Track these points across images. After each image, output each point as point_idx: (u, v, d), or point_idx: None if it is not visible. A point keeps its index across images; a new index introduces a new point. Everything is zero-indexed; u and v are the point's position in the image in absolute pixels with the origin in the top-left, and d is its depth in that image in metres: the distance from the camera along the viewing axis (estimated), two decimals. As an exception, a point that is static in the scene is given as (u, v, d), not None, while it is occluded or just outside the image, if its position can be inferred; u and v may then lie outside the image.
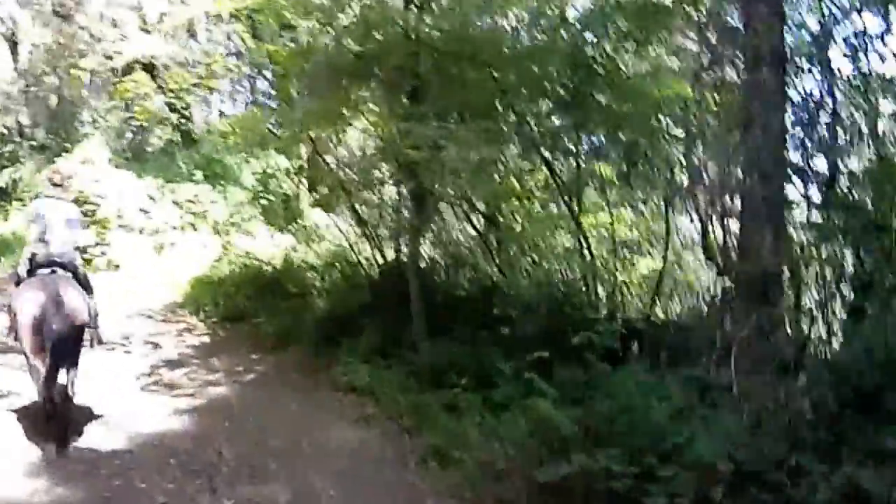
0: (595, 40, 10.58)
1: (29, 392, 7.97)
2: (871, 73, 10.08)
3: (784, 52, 9.29)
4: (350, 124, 12.51)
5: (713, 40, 11.90)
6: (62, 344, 7.34)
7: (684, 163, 10.96)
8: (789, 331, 8.40)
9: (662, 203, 11.21)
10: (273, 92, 20.20)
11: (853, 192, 9.37)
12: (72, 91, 22.66)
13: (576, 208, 10.37)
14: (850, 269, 8.88)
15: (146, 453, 7.51)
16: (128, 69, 20.47)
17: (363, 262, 13.24)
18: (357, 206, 13.05)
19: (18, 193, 18.90)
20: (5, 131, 21.87)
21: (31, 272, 7.80)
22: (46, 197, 8.42)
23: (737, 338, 7.36)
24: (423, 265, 11.52)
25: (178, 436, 8.18)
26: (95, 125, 21.81)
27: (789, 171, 9.44)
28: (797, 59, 10.36)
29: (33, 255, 7.91)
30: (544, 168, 11.02)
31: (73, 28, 20.22)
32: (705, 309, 10.37)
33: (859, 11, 10.36)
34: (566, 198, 10.61)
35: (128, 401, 9.13)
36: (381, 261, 12.71)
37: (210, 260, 15.84)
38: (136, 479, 6.81)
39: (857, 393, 6.06)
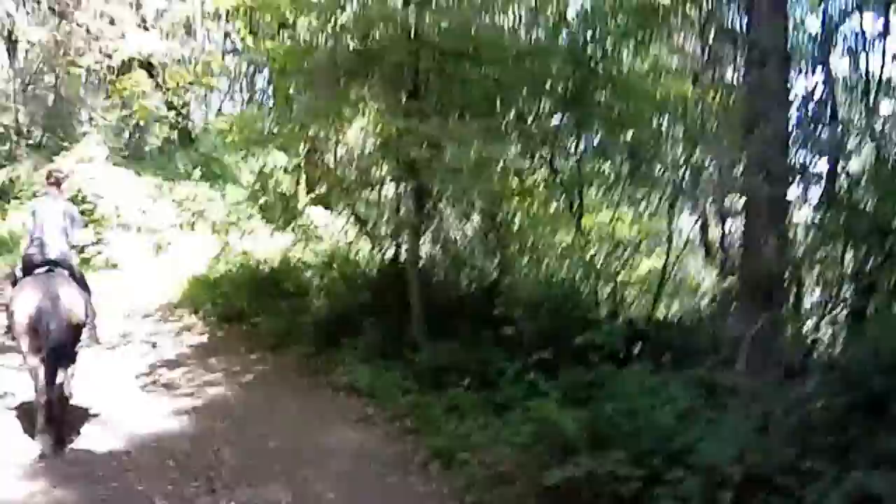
0: (596, 38, 10.52)
1: (26, 392, 7.89)
2: (870, 74, 10.05)
3: (788, 51, 9.24)
4: (349, 122, 12.42)
5: (713, 40, 11.88)
6: (59, 343, 7.30)
7: (685, 162, 10.88)
8: (795, 332, 8.35)
9: (664, 203, 11.17)
10: (271, 90, 20.07)
11: (854, 192, 9.33)
12: (69, 89, 22.58)
13: (577, 207, 10.31)
14: (852, 270, 8.83)
15: (144, 455, 7.44)
16: (126, 67, 20.36)
17: (362, 261, 13.18)
18: (356, 204, 12.97)
19: (16, 192, 18.80)
20: (2, 130, 21.80)
21: (28, 271, 7.74)
22: (43, 196, 8.37)
23: (743, 339, 7.27)
24: (422, 264, 11.42)
25: (177, 437, 8.11)
26: (93, 124, 21.72)
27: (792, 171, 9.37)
28: (797, 59, 10.32)
29: (30, 254, 7.86)
30: (545, 167, 10.97)
31: (70, 26, 20.12)
32: (708, 309, 10.35)
33: (860, 11, 10.33)
34: (567, 197, 10.55)
35: (125, 401, 9.07)
36: (380, 260, 12.63)
37: (208, 259, 15.75)
38: (134, 482, 6.75)
39: (865, 396, 5.98)
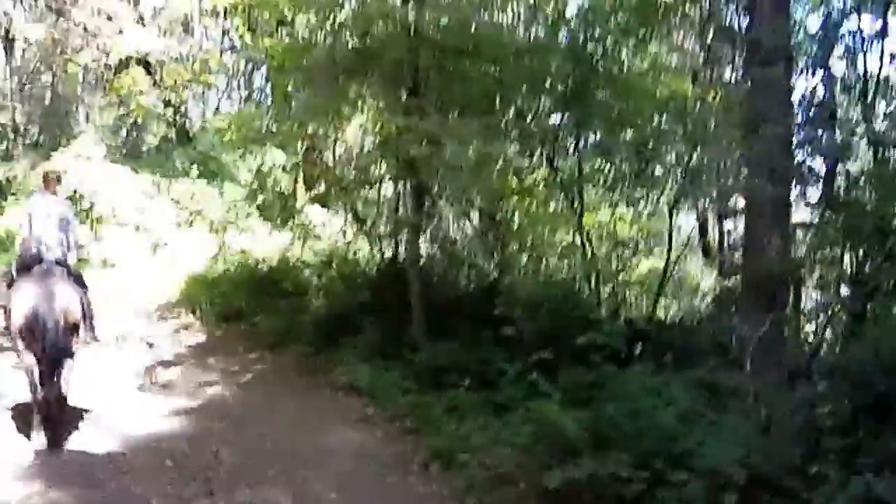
0: (596, 36, 10.47)
1: (23, 392, 7.81)
2: (868, 75, 10.03)
3: (790, 50, 9.21)
4: (348, 120, 12.37)
5: (712, 39, 11.84)
6: (55, 342, 7.26)
7: (686, 162, 10.83)
8: (798, 334, 8.32)
9: (664, 202, 11.13)
10: (269, 88, 20.01)
11: (853, 193, 9.31)
12: (66, 87, 22.50)
13: (577, 206, 10.25)
14: (852, 271, 8.81)
15: (141, 455, 7.36)
16: (123, 65, 20.29)
17: (361, 260, 13.13)
18: (355, 203, 12.92)
19: (13, 191, 18.72)
20: (0, 129, 21.72)
21: (24, 270, 7.68)
22: (39, 195, 8.33)
23: (749, 341, 7.22)
24: (422, 263, 11.38)
25: (174, 437, 8.04)
26: (90, 122, 21.65)
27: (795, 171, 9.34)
28: (798, 59, 10.30)
29: (27, 253, 7.82)
30: (545, 165, 10.92)
31: (67, 23, 20.03)
32: (708, 310, 10.30)
33: (857, 13, 10.31)
34: (567, 195, 10.50)
35: (123, 401, 9.00)
36: (379, 259, 12.58)
37: (206, 258, 15.69)
38: (131, 483, 6.68)
39: (869, 398, 5.94)
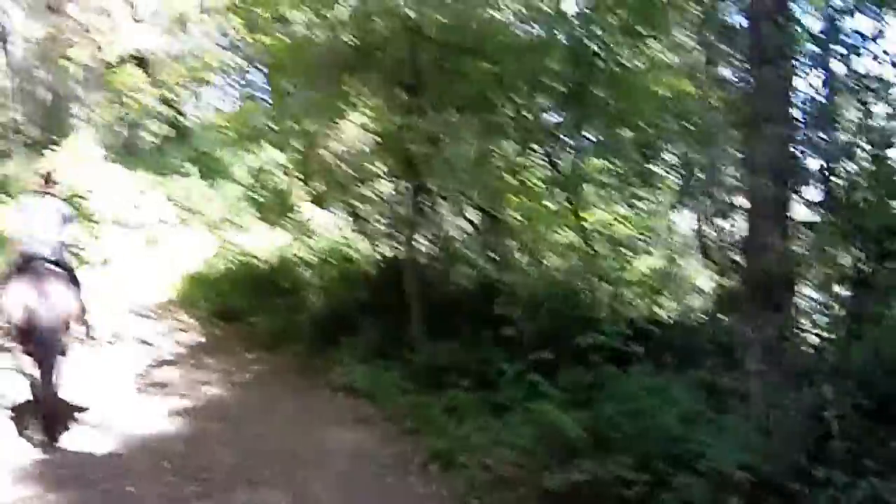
0: (597, 33, 10.40)
1: (17, 392, 7.83)
2: (865, 75, 10.00)
3: (791, 49, 9.16)
4: (347, 118, 12.32)
5: (712, 37, 11.78)
6: (49, 342, 7.26)
7: (686, 161, 10.78)
8: (800, 334, 8.25)
9: (663, 201, 11.08)
10: (267, 85, 19.98)
11: (851, 193, 9.27)
12: (63, 85, 22.45)
13: (577, 205, 10.20)
14: (851, 271, 8.77)
15: (138, 457, 7.31)
16: (120, 63, 20.24)
17: (359, 258, 13.08)
18: (353, 201, 12.86)
19: (8, 189, 18.64)
20: None
21: (20, 269, 7.63)
22: (35, 193, 8.29)
23: (753, 342, 7.15)
24: (420, 262, 11.33)
25: (172, 438, 7.98)
26: (87, 120, 21.60)
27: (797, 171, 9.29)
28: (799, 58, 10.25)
29: (22, 251, 7.76)
30: (544, 163, 10.85)
31: (64, 21, 19.97)
32: (710, 309, 10.24)
33: (853, 13, 10.27)
34: (567, 194, 10.44)
35: (119, 401, 8.94)
36: (377, 257, 12.52)
37: (203, 256, 15.67)
38: (127, 485, 6.61)
39: (872, 400, 5.89)
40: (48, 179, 8.38)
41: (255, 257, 14.38)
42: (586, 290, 9.85)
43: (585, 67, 9.88)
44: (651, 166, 10.77)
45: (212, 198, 18.38)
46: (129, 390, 9.63)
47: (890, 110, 9.86)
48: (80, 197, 16.05)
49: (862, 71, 10.01)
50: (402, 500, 6.81)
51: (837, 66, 10.32)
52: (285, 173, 14.73)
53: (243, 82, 24.64)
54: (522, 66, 10.05)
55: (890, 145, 9.16)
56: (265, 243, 14.69)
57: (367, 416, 8.88)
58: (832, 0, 10.49)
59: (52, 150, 17.71)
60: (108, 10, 19.91)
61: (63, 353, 7.55)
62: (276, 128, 12.69)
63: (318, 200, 14.79)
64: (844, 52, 10.22)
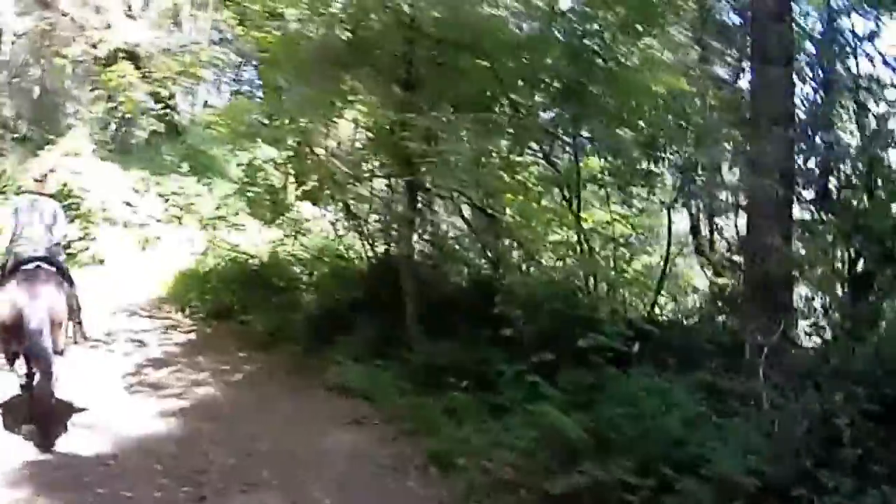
0: (593, 31, 10.31)
1: (11, 394, 7.78)
2: (860, 75, 9.98)
3: (792, 49, 9.12)
4: (341, 114, 12.24)
5: (710, 36, 11.75)
6: (40, 343, 7.12)
7: (684, 160, 10.71)
8: (801, 335, 8.22)
9: (662, 200, 11.02)
10: (260, 81, 19.87)
11: (849, 193, 9.25)
12: (55, 81, 22.33)
13: (575, 203, 10.12)
14: (849, 272, 8.74)
15: (132, 458, 7.18)
16: (112, 58, 20.12)
17: (353, 256, 13.00)
18: (347, 198, 12.78)
19: (1, 187, 18.54)
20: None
21: (13, 269, 7.54)
22: (27, 192, 8.23)
23: (754, 342, 7.09)
24: (415, 260, 11.25)
25: (164, 439, 7.86)
26: (79, 116, 21.49)
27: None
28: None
29: (16, 251, 7.69)
30: (542, 161, 10.78)
31: (55, 16, 19.85)
32: (709, 309, 10.19)
33: (849, 13, 10.26)
34: (565, 193, 10.36)
35: (111, 402, 8.79)
36: (372, 255, 12.44)
37: (196, 254, 15.58)
38: (121, 487, 6.48)
39: (877, 403, 5.82)
40: (40, 179, 8.33)
41: (249, 255, 14.25)
42: (585, 289, 9.77)
43: (583, 65, 9.79)
44: (649, 164, 10.71)
45: (205, 195, 18.26)
46: (121, 390, 9.50)
47: (886, 110, 9.89)
48: (74, 196, 15.95)
49: (859, 71, 10.06)
50: (402, 503, 6.73)
51: (836, 66, 10.35)
52: (277, 168, 14.67)
53: (236, 78, 24.64)
54: (519, 63, 9.98)
55: (887, 146, 9.16)
56: (259, 241, 14.57)
57: (364, 416, 8.78)
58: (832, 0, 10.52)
59: (47, 149, 17.55)
60: (100, 5, 19.76)
61: (60, 353, 7.45)
62: (269, 124, 12.59)
63: (312, 197, 14.72)
64: (843, 52, 10.26)
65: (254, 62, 20.20)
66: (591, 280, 9.79)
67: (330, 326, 10.99)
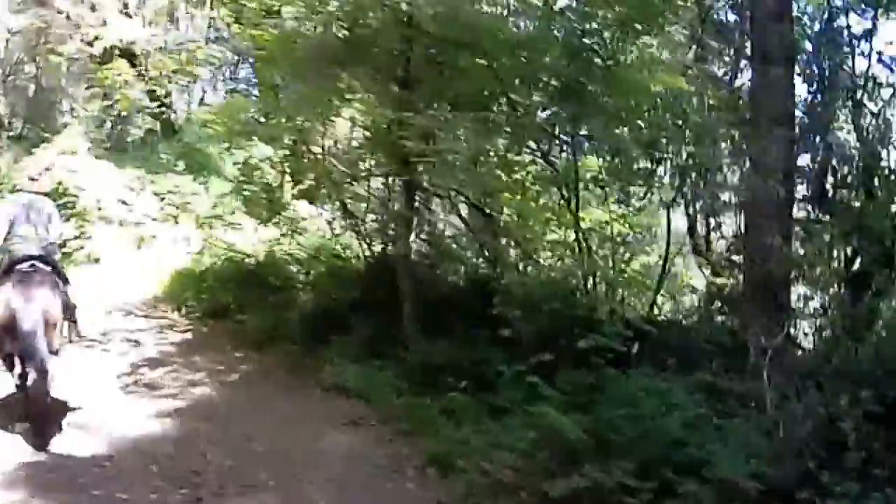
0: (592, 28, 10.28)
1: (4, 392, 7.75)
2: (857, 74, 9.97)
3: (793, 48, 9.08)
4: (338, 113, 12.19)
5: (708, 35, 11.72)
6: (34, 343, 7.08)
7: (683, 159, 10.68)
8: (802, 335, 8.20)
9: (660, 199, 11.00)
10: (256, 79, 19.81)
11: (845, 192, 9.24)
12: (50, 79, 22.27)
13: (574, 203, 10.08)
14: (848, 270, 8.73)
15: (127, 460, 7.11)
16: (107, 56, 20.04)
17: (350, 255, 12.95)
18: (344, 197, 12.73)
19: (-1, 186, 18.49)
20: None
21: (8, 268, 7.48)
22: (23, 191, 8.19)
23: (757, 343, 7.05)
24: (412, 259, 11.21)
25: (160, 440, 7.80)
26: (74, 114, 21.42)
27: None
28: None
29: (10, 250, 7.64)
30: (540, 161, 10.75)
31: (50, 13, 19.77)
32: (707, 309, 10.17)
33: (847, 12, 10.24)
34: (563, 192, 10.33)
35: (107, 402, 8.72)
36: (369, 254, 12.40)
37: (192, 253, 15.52)
38: (117, 489, 6.42)
39: (880, 405, 5.79)
40: (37, 178, 8.30)
41: (245, 254, 14.19)
42: (583, 289, 9.74)
43: (582, 64, 9.75)
44: (648, 164, 10.69)
45: (200, 193, 18.18)
46: (117, 390, 9.43)
47: (883, 109, 9.88)
48: (69, 194, 15.87)
49: (856, 70, 10.04)
50: (400, 505, 6.69)
51: (835, 66, 10.33)
52: (273, 167, 14.62)
53: (232, 76, 24.56)
54: (518, 61, 9.94)
55: (884, 145, 9.15)
56: (255, 240, 14.50)
57: (361, 416, 8.73)
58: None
59: (42, 147, 17.47)
60: (96, 3, 19.69)
61: (56, 353, 7.42)
62: (265, 122, 12.54)
63: (309, 196, 14.67)
64: (840, 51, 10.24)
65: (250, 60, 20.08)
66: (590, 280, 9.75)
67: (326, 326, 10.93)
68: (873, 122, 9.87)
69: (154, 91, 20.93)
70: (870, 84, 9.98)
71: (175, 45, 21.31)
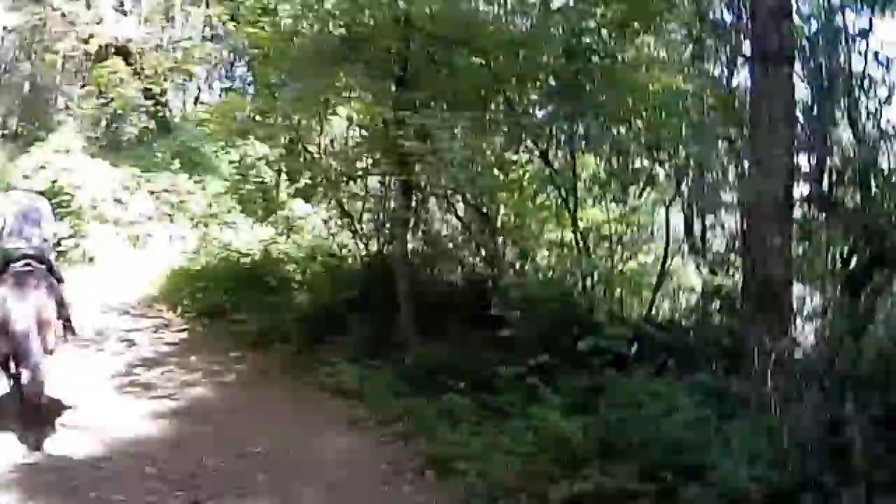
0: (590, 27, 10.23)
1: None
2: (853, 72, 9.93)
3: (792, 47, 9.04)
4: (335, 112, 12.14)
5: (705, 34, 11.68)
6: (28, 344, 7.04)
7: (682, 159, 10.64)
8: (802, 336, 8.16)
9: (659, 199, 10.97)
10: (252, 78, 19.77)
11: (842, 191, 9.21)
12: (45, 77, 22.22)
13: (572, 202, 10.04)
14: (844, 271, 8.70)
15: (123, 462, 7.06)
16: (102, 54, 19.99)
17: (347, 255, 12.90)
18: (341, 197, 12.68)
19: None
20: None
21: (2, 268, 7.41)
22: (17, 190, 8.14)
23: (760, 344, 7.01)
24: (409, 259, 11.16)
25: (156, 442, 7.74)
26: (69, 112, 21.36)
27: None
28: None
29: (4, 249, 7.57)
30: (538, 159, 10.70)
31: (46, 11, 19.71)
32: (705, 309, 10.13)
33: (844, 10, 10.21)
34: (561, 191, 10.28)
35: (102, 403, 8.67)
36: (365, 254, 12.35)
37: (187, 252, 15.46)
38: (114, 492, 6.36)
39: (880, 409, 5.76)
40: (31, 176, 8.26)
41: (241, 253, 14.13)
42: (582, 289, 9.70)
43: (579, 62, 9.72)
44: (646, 163, 10.66)
45: (196, 192, 18.11)
46: (112, 390, 9.37)
47: (878, 108, 9.85)
48: (64, 193, 15.80)
49: (853, 69, 10.00)
50: (398, 508, 6.64)
51: (832, 64, 10.29)
52: (269, 166, 14.57)
53: (228, 74, 24.52)
54: (515, 60, 9.90)
55: (880, 143, 9.12)
56: (251, 239, 14.44)
57: (359, 418, 8.65)
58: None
59: (37, 145, 17.39)
60: (91, 0, 19.64)
61: (50, 353, 7.35)
62: (261, 121, 12.48)
63: (305, 195, 14.61)
64: (838, 49, 10.20)
65: (246, 58, 20.05)
66: (588, 280, 9.71)
67: (323, 326, 10.89)
68: (870, 121, 9.84)
69: (149, 89, 20.90)
70: (866, 83, 9.94)
71: (171, 43, 21.26)
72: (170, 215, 17.77)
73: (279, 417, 8.76)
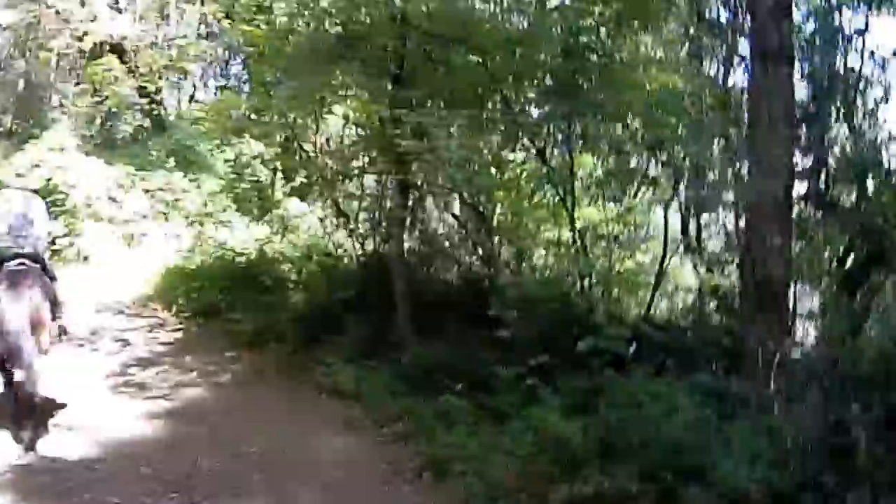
0: (588, 25, 10.20)
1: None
2: (850, 71, 9.94)
3: (792, 46, 9.03)
4: (331, 110, 12.09)
5: (702, 33, 11.67)
6: (21, 344, 6.99)
7: (681, 158, 10.62)
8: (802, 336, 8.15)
9: (657, 199, 10.94)
10: (248, 76, 19.73)
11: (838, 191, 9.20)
12: (40, 75, 22.14)
13: (570, 201, 10.01)
14: (841, 271, 8.69)
15: (118, 462, 7.01)
16: (97, 51, 19.93)
17: (343, 254, 12.85)
18: (337, 195, 12.64)
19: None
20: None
21: (-2, 267, 7.38)
22: (10, 188, 8.08)
23: (762, 345, 6.97)
24: (406, 258, 11.13)
25: (151, 443, 7.68)
26: (64, 110, 21.29)
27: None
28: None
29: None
30: (535, 158, 10.67)
31: (40, 8, 19.64)
32: (707, 310, 10.11)
33: (839, 11, 10.21)
34: (558, 190, 10.25)
35: (97, 403, 8.61)
36: (361, 253, 12.30)
37: (182, 251, 15.41)
38: (107, 493, 6.31)
39: (880, 410, 5.72)
40: (25, 175, 8.22)
41: (236, 252, 14.08)
42: (580, 289, 9.66)
43: (576, 60, 9.68)
44: (643, 162, 10.63)
45: (191, 191, 18.06)
46: (106, 390, 9.30)
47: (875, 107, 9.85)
48: (59, 191, 15.74)
49: (850, 68, 10.00)
50: (396, 510, 6.60)
51: (830, 63, 10.29)
52: (265, 164, 14.53)
53: (223, 73, 24.46)
54: (512, 58, 9.87)
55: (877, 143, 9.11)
56: (246, 238, 14.39)
57: (355, 419, 8.61)
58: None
59: (31, 143, 17.32)
60: (86, -2, 19.60)
61: (44, 353, 7.33)
62: (256, 119, 12.43)
63: (301, 194, 14.57)
64: (836, 49, 10.19)
65: (242, 56, 19.99)
66: (586, 279, 9.68)
67: (319, 326, 10.84)
68: (867, 120, 9.84)
69: (144, 87, 20.83)
70: (862, 82, 9.94)
71: (165, 40, 21.19)
72: (165, 214, 17.70)
73: (275, 418, 8.70)
